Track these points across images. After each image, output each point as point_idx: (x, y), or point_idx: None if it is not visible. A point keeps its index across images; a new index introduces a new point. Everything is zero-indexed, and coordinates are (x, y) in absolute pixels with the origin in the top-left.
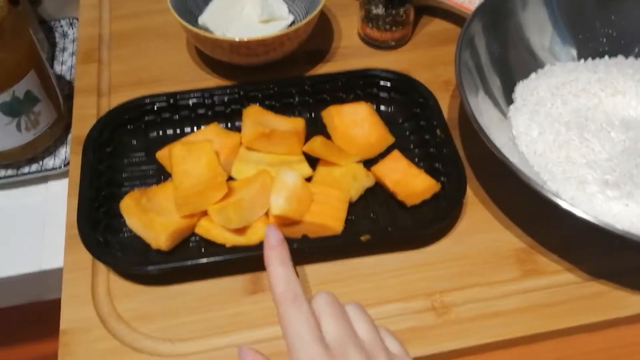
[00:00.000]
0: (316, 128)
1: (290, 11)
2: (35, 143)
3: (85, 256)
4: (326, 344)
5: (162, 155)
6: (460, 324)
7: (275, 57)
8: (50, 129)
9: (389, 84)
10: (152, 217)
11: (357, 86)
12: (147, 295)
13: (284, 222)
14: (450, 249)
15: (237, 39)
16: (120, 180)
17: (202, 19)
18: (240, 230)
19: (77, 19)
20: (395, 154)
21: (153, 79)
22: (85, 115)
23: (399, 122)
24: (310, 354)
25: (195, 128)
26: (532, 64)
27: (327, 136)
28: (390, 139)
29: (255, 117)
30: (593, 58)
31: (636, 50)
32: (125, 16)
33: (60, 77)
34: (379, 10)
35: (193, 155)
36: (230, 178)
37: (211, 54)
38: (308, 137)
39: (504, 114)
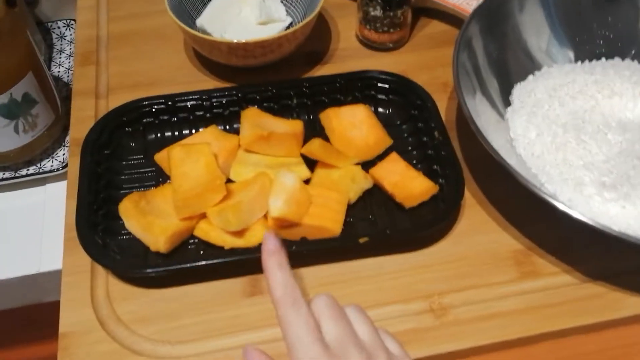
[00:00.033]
0: (314, 130)
1: (288, 13)
2: (33, 145)
3: (84, 259)
4: (326, 344)
5: (160, 157)
6: (458, 325)
7: (273, 59)
8: (48, 131)
9: (387, 86)
10: (151, 219)
11: (355, 88)
12: (146, 298)
13: (283, 225)
14: (448, 251)
15: (235, 41)
16: (118, 182)
17: (200, 21)
18: (239, 233)
19: (75, 21)
20: (394, 156)
21: (151, 81)
22: (83, 117)
23: (397, 124)
24: (310, 355)
25: (193, 130)
26: (529, 66)
27: (325, 138)
28: (388, 141)
29: (253, 119)
30: (590, 60)
31: (633, 52)
32: (123, 18)
33: (57, 79)
34: (377, 12)
35: (192, 157)
36: (228, 180)
37: (209, 56)
38: (306, 139)
39: (502, 115)
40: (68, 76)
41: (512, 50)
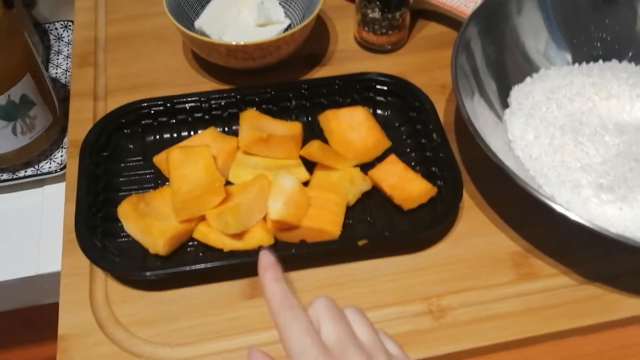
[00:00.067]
0: (313, 132)
1: (286, 15)
2: (31, 147)
3: (83, 261)
4: (326, 346)
5: (159, 159)
6: (457, 327)
7: (272, 61)
8: (46, 133)
9: (385, 88)
10: (150, 222)
11: (354, 90)
12: (145, 300)
13: (282, 227)
14: (447, 253)
15: (234, 43)
16: (117, 184)
17: (199, 23)
18: (238, 235)
19: (72, 22)
20: (392, 158)
21: (149, 83)
22: (81, 119)
23: (395, 126)
24: (310, 357)
25: (192, 132)
26: (527, 68)
27: (324, 140)
28: (387, 143)
29: (252, 121)
30: (587, 62)
31: (630, 54)
32: (121, 19)
33: (55, 80)
34: (375, 14)
35: (190, 159)
36: (227, 182)
37: (207, 58)
38: (305, 141)
39: (500, 117)
40: (66, 77)
41: (510, 52)
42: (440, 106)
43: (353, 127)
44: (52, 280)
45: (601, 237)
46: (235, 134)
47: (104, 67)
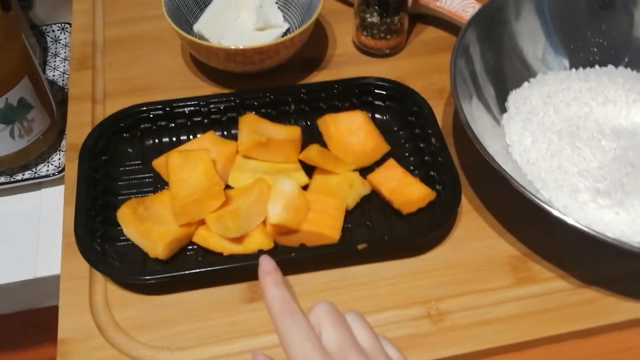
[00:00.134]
0: (312, 136)
1: (285, 19)
2: (28, 150)
3: (83, 265)
4: (327, 351)
5: (158, 163)
6: (456, 331)
7: (271, 65)
8: (43, 136)
9: (384, 93)
10: (149, 226)
11: (353, 94)
12: (145, 304)
13: (282, 231)
14: (446, 257)
15: (233, 47)
16: (116, 188)
17: (197, 27)
18: (238, 239)
19: (69, 24)
20: (391, 162)
21: (148, 86)
22: (80, 123)
23: (394, 130)
24: None
25: (191, 136)
26: (524, 73)
27: (323, 144)
28: (385, 147)
29: (251, 125)
30: (584, 67)
31: (626, 59)
32: (119, 22)
33: (52, 83)
34: (374, 18)
35: (190, 163)
36: (227, 186)
37: (206, 62)
38: (304, 146)
39: (497, 121)
40: (63, 80)
41: (508, 57)
42: (439, 110)
43: (352, 132)
44: (50, 283)
45: (598, 242)
46: (234, 138)
47: (102, 70)
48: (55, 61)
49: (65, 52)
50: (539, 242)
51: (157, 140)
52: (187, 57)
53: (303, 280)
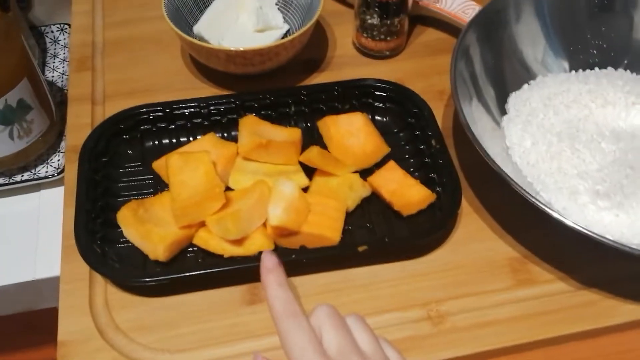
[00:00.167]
0: (312, 138)
1: (285, 20)
2: (27, 151)
3: (83, 267)
4: (328, 355)
5: (158, 165)
6: (456, 333)
7: (271, 67)
8: (42, 137)
9: (384, 94)
10: (149, 228)
11: (353, 96)
12: (145, 306)
13: (282, 233)
14: (446, 259)
15: (233, 49)
16: (116, 190)
17: (197, 28)
18: (238, 241)
19: (69, 25)
20: (391, 164)
21: (147, 88)
22: (80, 124)
23: (394, 131)
24: None
25: (191, 138)
26: (524, 75)
27: (323, 146)
28: (385, 149)
29: (251, 127)
30: (584, 70)
31: (625, 62)
32: (118, 23)
33: (51, 84)
34: (374, 20)
35: (190, 165)
36: (227, 188)
37: (206, 63)
38: (304, 147)
39: (497, 123)
40: (62, 81)
41: (508, 59)
42: (439, 112)
43: (352, 133)
44: (49, 285)
45: (598, 244)
46: (234, 139)
47: (102, 71)
48: (54, 62)
49: (64, 53)
50: (538, 244)
51: (157, 142)
52: (186, 59)
53: (303, 282)
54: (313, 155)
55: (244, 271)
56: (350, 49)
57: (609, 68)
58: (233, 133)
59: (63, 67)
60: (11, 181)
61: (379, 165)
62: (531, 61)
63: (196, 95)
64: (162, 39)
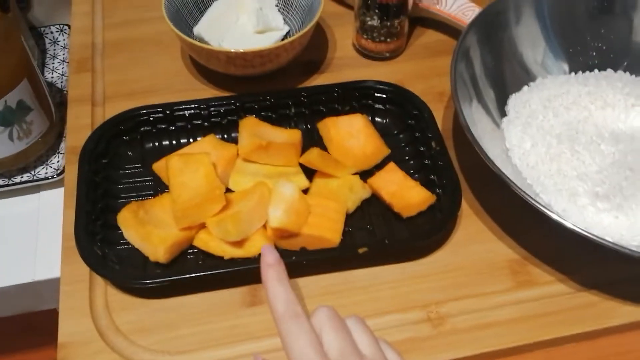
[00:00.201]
0: (312, 139)
1: (285, 21)
2: (27, 152)
3: (83, 268)
4: (328, 357)
5: (158, 166)
6: (456, 334)
7: (272, 68)
8: (42, 138)
9: (384, 96)
10: (149, 229)
11: (353, 98)
12: (145, 308)
13: (282, 235)
14: (445, 260)
15: (233, 50)
16: (116, 192)
17: (197, 29)
18: (239, 243)
19: (68, 26)
20: (391, 165)
21: (147, 89)
22: (79, 126)
23: (394, 133)
24: None
25: (191, 139)
26: (524, 77)
27: (323, 148)
28: (385, 151)
29: (251, 128)
30: (583, 71)
31: (625, 63)
32: (118, 24)
33: (51, 85)
34: (374, 21)
35: (190, 167)
36: (227, 190)
37: (206, 65)
38: (304, 149)
39: (497, 124)
40: (62, 82)
41: (508, 61)
42: (438, 114)
43: (352, 135)
44: (49, 286)
45: (597, 246)
46: (234, 141)
47: (102, 72)
48: (53, 63)
49: (63, 54)
50: (538, 246)
51: (157, 144)
52: (187, 60)
53: (304, 284)
54: (313, 156)
55: (244, 273)
56: (350, 50)
57: (609, 70)
58: (233, 134)
59: (63, 68)
60: (11, 182)
61: (379, 167)
62: (531, 63)
63: (196, 96)
64: (162, 40)
